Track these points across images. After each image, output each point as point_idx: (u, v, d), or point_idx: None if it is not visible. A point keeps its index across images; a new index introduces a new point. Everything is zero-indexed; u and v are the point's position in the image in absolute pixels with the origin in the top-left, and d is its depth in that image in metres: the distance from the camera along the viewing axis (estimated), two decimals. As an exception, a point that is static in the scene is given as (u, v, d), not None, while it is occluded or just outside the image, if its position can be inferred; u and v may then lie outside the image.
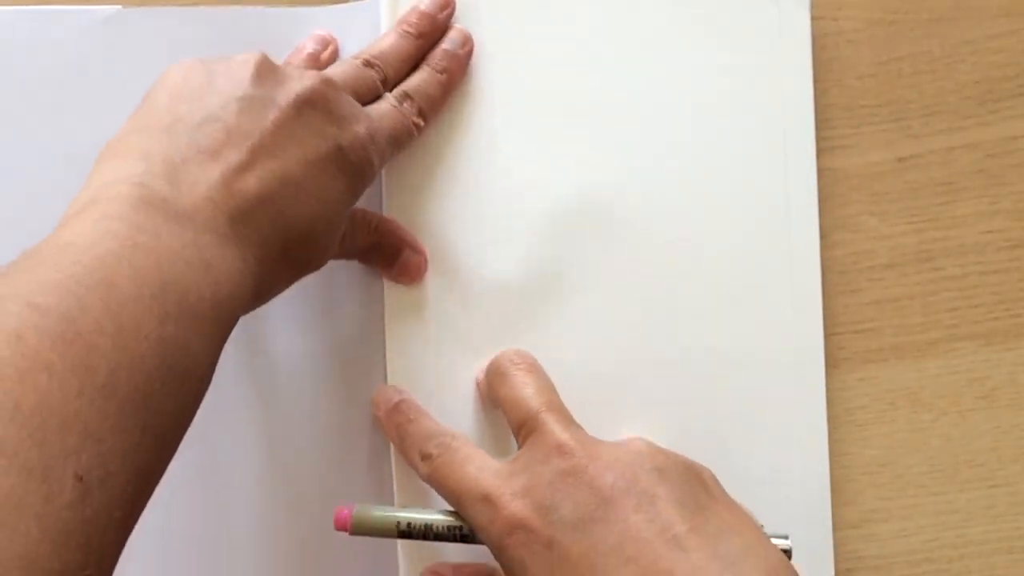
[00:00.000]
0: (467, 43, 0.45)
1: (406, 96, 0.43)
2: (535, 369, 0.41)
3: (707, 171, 0.46)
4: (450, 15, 0.45)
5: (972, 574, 0.47)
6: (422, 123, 0.43)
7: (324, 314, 0.45)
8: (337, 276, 0.44)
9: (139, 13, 0.44)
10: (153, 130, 0.35)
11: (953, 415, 0.47)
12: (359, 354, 0.45)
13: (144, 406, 0.28)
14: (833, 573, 0.46)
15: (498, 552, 0.36)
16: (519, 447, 0.38)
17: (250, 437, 0.44)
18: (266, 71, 0.37)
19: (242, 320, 0.34)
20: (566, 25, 0.46)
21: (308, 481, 0.45)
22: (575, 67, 0.46)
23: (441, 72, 0.44)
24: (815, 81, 0.46)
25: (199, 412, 0.31)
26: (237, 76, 0.36)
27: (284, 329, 0.45)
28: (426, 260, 0.44)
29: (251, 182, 0.34)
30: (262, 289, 0.36)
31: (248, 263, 0.34)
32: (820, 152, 0.47)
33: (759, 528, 0.35)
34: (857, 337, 0.47)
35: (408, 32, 0.44)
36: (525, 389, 0.39)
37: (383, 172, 0.44)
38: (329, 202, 0.37)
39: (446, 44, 0.45)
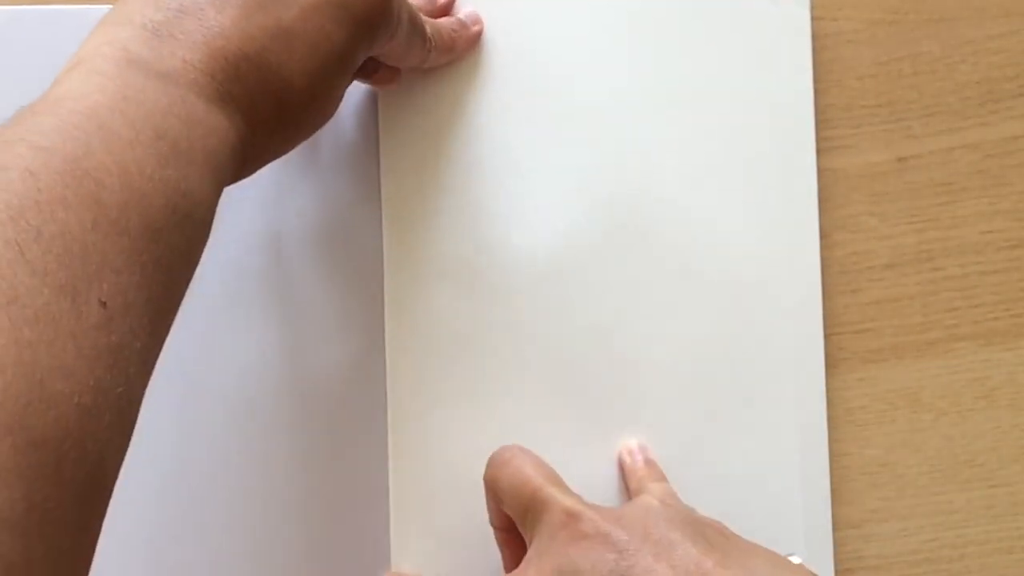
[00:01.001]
0: (478, 23, 0.45)
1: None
2: (530, 453, 0.40)
3: (707, 171, 0.46)
4: (449, 3, 0.44)
5: (972, 574, 0.47)
6: (432, 48, 0.42)
7: (324, 337, 0.45)
8: (335, 295, 0.45)
9: (139, 13, 0.44)
10: None
11: (953, 415, 0.47)
12: (361, 360, 0.45)
13: (154, 242, 0.28)
14: (833, 573, 0.46)
15: None
16: (528, 543, 0.37)
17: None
18: None
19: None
20: (565, 25, 0.46)
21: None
22: (573, 67, 0.46)
23: (452, 32, 0.43)
24: (815, 81, 0.46)
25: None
26: None
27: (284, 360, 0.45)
28: (399, 71, 0.43)
29: (235, 41, 0.32)
30: (253, 152, 0.34)
31: (236, 125, 0.32)
32: (820, 152, 0.47)
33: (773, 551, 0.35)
34: (857, 337, 0.47)
35: None
36: (524, 469, 0.38)
37: (382, 171, 0.44)
38: (330, 55, 0.34)
39: (459, 15, 0.44)
